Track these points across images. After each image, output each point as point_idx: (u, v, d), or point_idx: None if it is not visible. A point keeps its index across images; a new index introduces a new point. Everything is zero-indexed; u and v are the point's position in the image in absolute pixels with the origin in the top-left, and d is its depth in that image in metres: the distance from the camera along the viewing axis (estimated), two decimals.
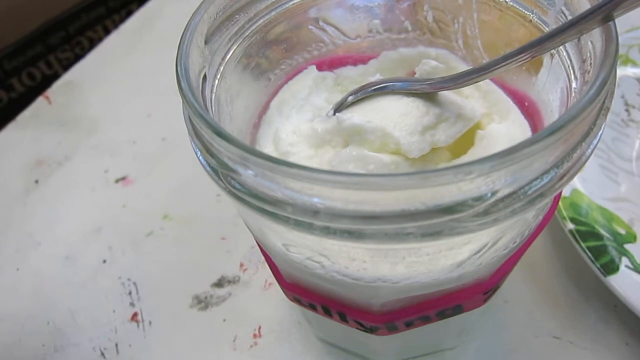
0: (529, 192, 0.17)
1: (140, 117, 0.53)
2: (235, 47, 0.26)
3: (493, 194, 0.16)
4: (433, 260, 0.20)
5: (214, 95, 0.23)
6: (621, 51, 0.44)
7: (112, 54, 0.62)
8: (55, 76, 0.61)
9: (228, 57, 0.25)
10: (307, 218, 0.17)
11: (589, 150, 0.18)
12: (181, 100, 0.20)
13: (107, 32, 0.74)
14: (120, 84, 0.58)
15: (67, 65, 0.66)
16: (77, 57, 0.63)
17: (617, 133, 0.41)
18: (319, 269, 0.21)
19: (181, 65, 0.20)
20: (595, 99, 0.16)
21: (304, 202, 0.17)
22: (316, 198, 0.17)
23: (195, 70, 0.21)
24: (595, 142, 0.18)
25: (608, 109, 0.18)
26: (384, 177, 0.15)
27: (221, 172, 0.19)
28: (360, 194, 0.16)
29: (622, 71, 0.44)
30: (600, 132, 0.18)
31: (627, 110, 0.42)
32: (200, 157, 0.20)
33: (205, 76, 0.22)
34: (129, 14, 0.67)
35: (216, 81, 0.24)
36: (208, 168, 0.19)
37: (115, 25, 0.69)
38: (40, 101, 0.57)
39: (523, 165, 0.16)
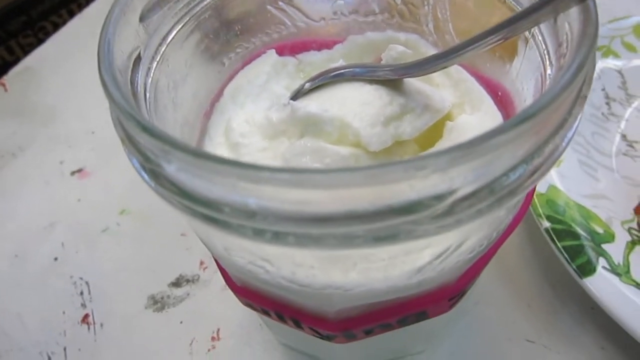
0: (495, 191, 0.15)
1: (100, 106, 0.50)
2: (180, 26, 0.23)
3: (452, 192, 0.14)
4: (389, 266, 0.18)
5: (150, 79, 0.21)
6: (603, 42, 0.43)
7: (74, 40, 0.59)
8: (17, 62, 0.58)
9: (171, 37, 0.23)
10: (240, 220, 0.15)
11: (564, 144, 0.16)
12: None
13: (72, 16, 0.71)
14: (80, 71, 0.55)
15: (29, 51, 0.62)
16: (41, 43, 0.59)
17: (597, 127, 0.39)
18: (264, 275, 0.19)
19: (104, 44, 0.17)
20: (571, 85, 0.14)
21: (236, 202, 0.14)
22: (251, 198, 0.14)
23: (123, 51, 0.19)
24: (570, 134, 0.16)
25: (585, 97, 0.16)
26: (322, 173, 0.13)
27: (147, 168, 0.16)
28: (297, 192, 0.14)
29: (603, 63, 0.42)
30: (576, 123, 0.16)
31: (607, 104, 0.40)
32: (125, 149, 0.17)
33: (138, 57, 0.20)
34: None
35: (154, 64, 0.21)
36: (132, 160, 0.17)
37: (82, 9, 0.66)
38: None
39: (487, 160, 0.14)
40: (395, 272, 0.18)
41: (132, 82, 0.19)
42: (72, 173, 0.45)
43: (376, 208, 0.14)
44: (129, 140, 0.16)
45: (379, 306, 0.22)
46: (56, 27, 0.72)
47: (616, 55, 0.42)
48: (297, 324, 0.24)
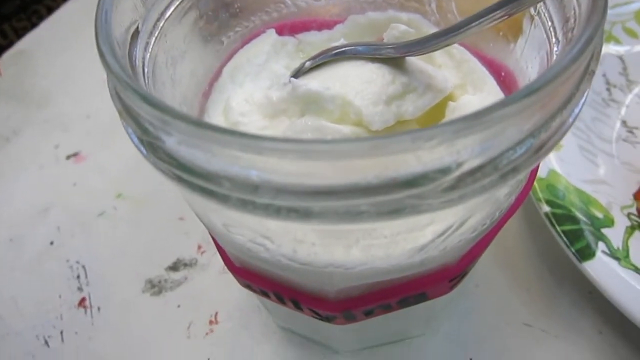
0: (501, 166, 0.14)
1: (95, 89, 0.49)
2: (178, 1, 0.23)
3: (458, 165, 0.14)
4: (391, 243, 0.18)
5: (148, 54, 0.20)
6: (604, 28, 0.42)
7: (69, 23, 0.58)
8: (11, 46, 0.57)
9: (170, 12, 0.22)
10: (242, 194, 0.14)
11: (570, 119, 0.15)
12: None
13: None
14: (75, 54, 0.54)
15: (23, 35, 0.62)
16: (34, 27, 0.58)
17: (597, 113, 0.39)
18: (264, 253, 0.19)
19: (102, 15, 0.17)
20: (580, 58, 0.14)
21: (237, 174, 0.14)
22: (253, 170, 0.14)
23: (121, 24, 0.18)
24: (577, 110, 0.16)
25: (593, 72, 0.16)
26: (326, 143, 0.13)
27: (145, 141, 0.16)
28: (300, 163, 0.13)
29: (604, 49, 0.41)
30: (583, 99, 0.16)
31: (608, 90, 0.40)
32: (123, 123, 0.17)
33: (136, 31, 0.19)
34: None
35: (153, 39, 0.21)
36: (131, 135, 0.17)
37: None
38: None
39: (494, 133, 0.13)
40: (397, 250, 0.18)
41: (130, 56, 0.18)
42: (68, 157, 0.45)
43: (381, 181, 0.14)
44: (126, 113, 0.16)
45: (379, 286, 0.21)
46: (50, 10, 0.71)
47: (617, 41, 0.42)
48: (297, 305, 0.24)
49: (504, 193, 0.19)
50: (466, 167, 0.14)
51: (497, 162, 0.14)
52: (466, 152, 0.14)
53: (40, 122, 0.48)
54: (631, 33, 0.41)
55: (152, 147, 0.16)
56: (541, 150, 0.15)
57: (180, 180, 0.15)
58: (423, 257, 0.19)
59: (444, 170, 0.14)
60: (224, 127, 0.13)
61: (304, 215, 0.14)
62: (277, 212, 0.14)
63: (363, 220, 0.14)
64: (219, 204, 0.15)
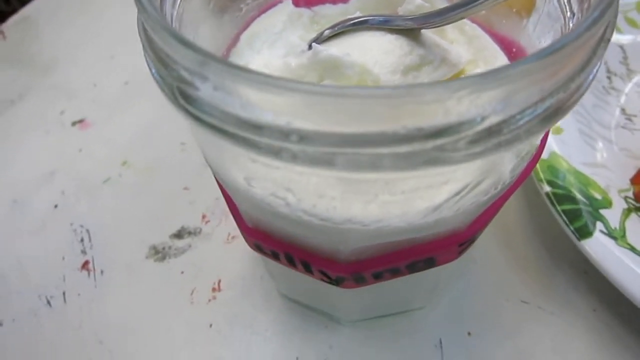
0: (522, 122, 0.15)
1: (102, 58, 0.50)
2: None
3: (483, 119, 0.14)
4: (408, 200, 0.18)
5: (175, 11, 0.21)
6: None
7: None
8: (13, 12, 0.57)
9: None
10: (274, 140, 0.15)
11: (587, 83, 0.16)
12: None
13: None
14: (82, 22, 0.54)
15: (26, 3, 0.61)
16: None
17: (597, 100, 0.40)
18: (284, 207, 0.19)
19: None
20: (599, 21, 0.15)
21: (269, 120, 0.15)
22: (284, 116, 0.15)
23: None
24: (592, 75, 0.16)
25: (608, 40, 0.17)
26: (360, 88, 0.13)
27: (177, 88, 0.17)
28: (334, 107, 0.14)
29: None
30: (599, 64, 0.16)
31: (608, 78, 0.41)
32: (154, 72, 0.17)
33: None
34: None
35: None
36: (162, 84, 0.17)
37: None
38: None
39: (517, 88, 0.14)
40: (413, 208, 0.19)
41: (162, 8, 0.19)
42: (73, 123, 0.45)
43: (408, 131, 0.14)
44: (160, 62, 0.16)
45: (391, 248, 0.22)
46: None
47: (619, 30, 0.42)
48: (307, 268, 0.25)
49: (514, 160, 0.20)
50: (489, 122, 0.15)
51: (518, 119, 0.15)
52: (490, 107, 0.14)
53: (46, 88, 0.48)
54: (633, 23, 0.42)
55: (185, 95, 0.16)
56: (559, 111, 0.16)
57: (210, 127, 0.16)
58: (437, 217, 0.19)
59: (469, 123, 0.14)
60: (260, 71, 0.14)
61: (329, 162, 0.15)
62: (303, 158, 0.15)
63: (386, 169, 0.15)
64: (248, 151, 0.16)
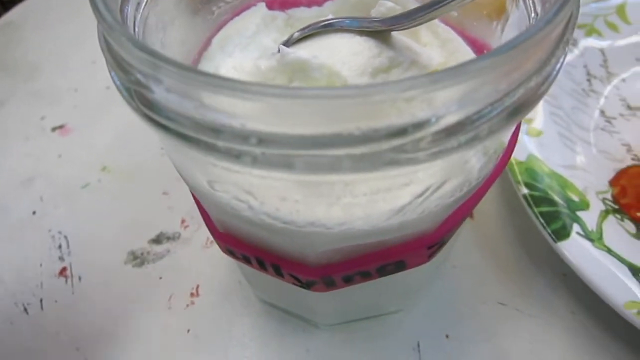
0: (478, 123, 0.15)
1: (84, 63, 0.50)
2: None
3: (437, 119, 0.14)
4: (371, 202, 0.18)
5: (139, 15, 0.20)
6: (587, 20, 0.43)
7: None
8: None
9: None
10: (229, 143, 0.15)
11: (546, 84, 0.16)
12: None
13: None
14: (65, 27, 0.54)
15: (10, 8, 0.61)
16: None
17: (577, 102, 0.40)
18: (247, 211, 0.19)
19: None
20: (554, 20, 0.15)
21: (226, 123, 0.15)
22: (239, 118, 0.15)
23: None
24: (552, 75, 0.16)
25: (568, 41, 0.17)
26: (313, 89, 0.13)
27: (135, 92, 0.16)
28: (287, 109, 0.14)
29: (586, 42, 0.43)
30: (558, 65, 0.16)
31: (588, 80, 0.41)
32: (113, 76, 0.17)
33: None
34: None
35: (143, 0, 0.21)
36: (121, 88, 0.17)
37: None
38: None
39: (470, 87, 0.14)
40: (377, 210, 0.19)
41: (122, 12, 0.18)
42: (54, 129, 0.45)
43: (362, 132, 0.14)
44: (115, 63, 0.16)
45: (359, 251, 0.22)
46: None
47: (599, 34, 0.43)
48: (278, 271, 0.24)
49: (481, 161, 0.20)
50: (445, 122, 0.14)
51: (474, 119, 0.15)
52: (444, 107, 0.14)
53: (27, 94, 0.48)
54: (612, 27, 0.43)
55: (141, 97, 0.16)
56: (516, 112, 0.16)
57: (167, 130, 0.16)
58: (401, 219, 0.19)
59: (424, 123, 0.14)
60: (214, 73, 0.14)
61: (288, 164, 0.15)
62: (261, 161, 0.15)
63: (344, 171, 0.15)
64: (205, 154, 0.15)
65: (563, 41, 0.17)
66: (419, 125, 0.14)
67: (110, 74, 0.18)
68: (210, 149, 0.15)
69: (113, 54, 0.17)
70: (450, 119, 0.15)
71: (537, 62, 0.16)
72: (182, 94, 0.15)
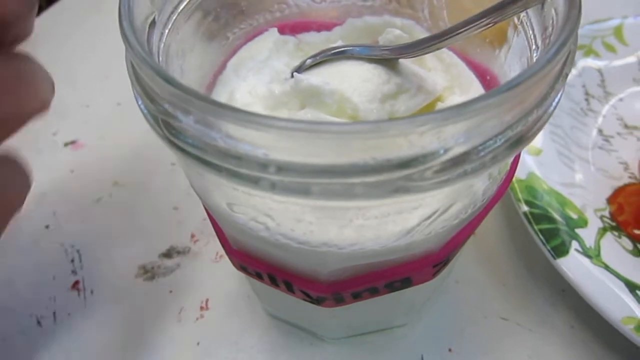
0: (483, 153, 0.16)
1: (96, 79, 0.51)
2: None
3: (446, 151, 0.15)
4: (381, 224, 0.19)
5: (162, 44, 0.22)
6: (585, 42, 0.45)
7: (72, 11, 0.59)
8: None
9: (182, 7, 0.24)
10: (251, 171, 0.16)
11: (545, 116, 0.17)
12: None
13: None
14: (77, 42, 0.55)
15: None
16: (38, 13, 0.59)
17: (576, 121, 0.41)
18: (264, 232, 0.20)
19: (125, 4, 0.19)
20: (554, 59, 0.16)
21: (248, 152, 0.16)
22: (261, 148, 0.16)
23: (141, 13, 0.20)
24: (551, 107, 0.17)
25: (567, 75, 0.18)
26: (332, 124, 0.14)
27: (162, 120, 0.18)
28: (306, 142, 0.15)
29: (584, 62, 0.44)
30: (558, 97, 0.18)
31: (586, 100, 0.43)
32: (141, 104, 0.18)
33: (153, 22, 0.21)
34: None
35: (166, 30, 0.22)
36: (148, 116, 0.18)
37: None
38: None
39: (477, 122, 0.15)
40: (386, 232, 0.20)
41: (149, 43, 0.20)
42: (66, 144, 0.46)
43: (377, 162, 0.15)
44: (145, 95, 0.18)
45: (368, 269, 0.23)
46: (50, 1, 0.72)
47: (597, 55, 0.44)
48: (289, 287, 0.25)
49: (485, 184, 0.21)
50: (452, 153, 0.16)
51: (479, 150, 0.16)
52: (452, 139, 0.15)
53: None
54: (610, 48, 0.44)
55: (169, 127, 0.17)
56: (519, 142, 0.17)
57: (191, 156, 0.17)
58: (409, 240, 0.20)
59: (433, 155, 0.15)
60: (240, 108, 0.15)
61: (305, 191, 0.16)
62: (280, 187, 0.16)
63: (358, 198, 0.16)
64: (228, 180, 0.17)
65: (562, 75, 0.18)
66: (429, 156, 0.15)
67: (137, 102, 0.19)
68: (233, 175, 0.16)
69: (142, 85, 0.18)
70: (457, 150, 0.16)
71: (538, 97, 0.17)
72: (209, 125, 0.16)
